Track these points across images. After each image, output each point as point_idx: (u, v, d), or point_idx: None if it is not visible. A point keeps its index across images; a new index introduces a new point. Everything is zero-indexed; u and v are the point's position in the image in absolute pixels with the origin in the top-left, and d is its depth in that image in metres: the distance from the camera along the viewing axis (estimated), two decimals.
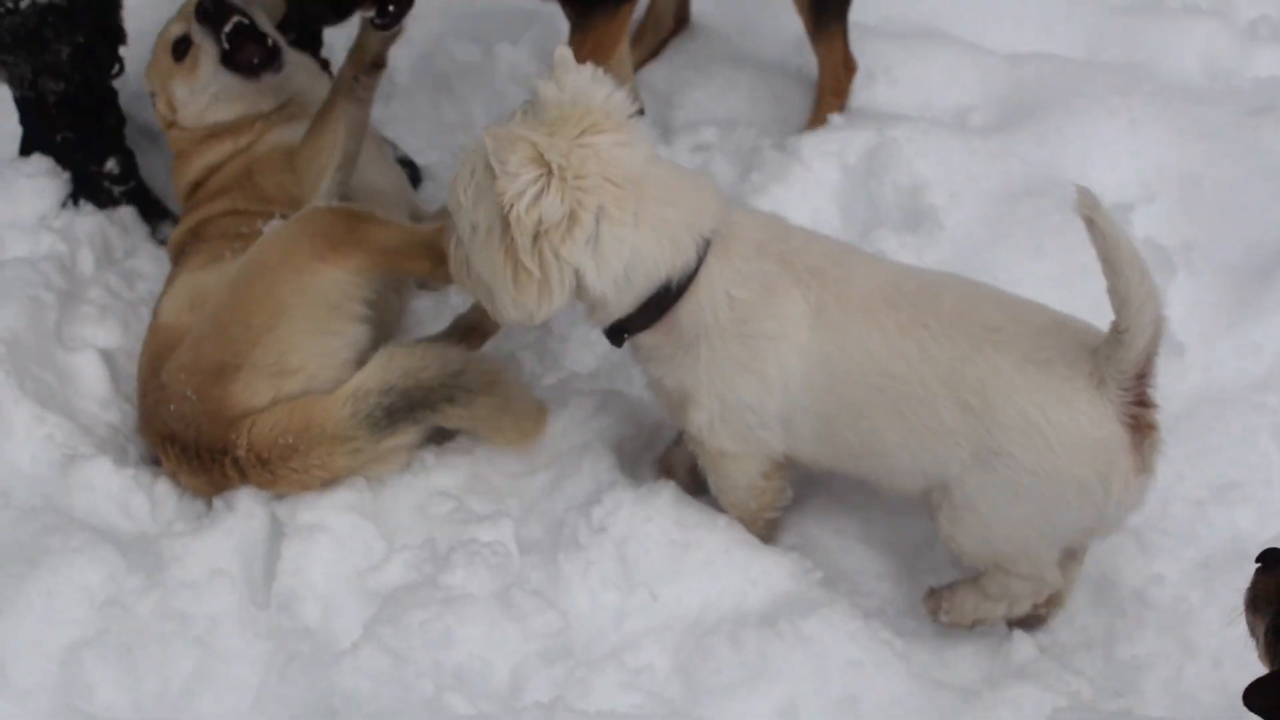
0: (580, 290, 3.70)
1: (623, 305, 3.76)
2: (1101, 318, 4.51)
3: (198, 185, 4.82)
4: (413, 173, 5.23)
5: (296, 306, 4.20)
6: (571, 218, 3.57)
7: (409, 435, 4.22)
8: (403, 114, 5.52)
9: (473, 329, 4.49)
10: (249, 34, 4.78)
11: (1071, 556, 3.96)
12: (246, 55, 4.77)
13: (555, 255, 3.59)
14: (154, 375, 4.33)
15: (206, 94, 4.83)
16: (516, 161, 3.51)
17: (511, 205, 3.52)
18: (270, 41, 4.79)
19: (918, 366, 3.66)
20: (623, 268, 3.66)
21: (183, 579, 3.97)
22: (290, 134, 4.77)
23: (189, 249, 4.61)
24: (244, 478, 4.18)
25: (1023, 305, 3.77)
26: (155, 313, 4.51)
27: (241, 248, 4.42)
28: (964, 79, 5.33)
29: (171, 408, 4.24)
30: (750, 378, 3.79)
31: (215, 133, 4.84)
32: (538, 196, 3.52)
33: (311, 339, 4.21)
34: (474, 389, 4.20)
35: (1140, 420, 3.60)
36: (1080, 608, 4.06)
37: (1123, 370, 3.53)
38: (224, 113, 4.85)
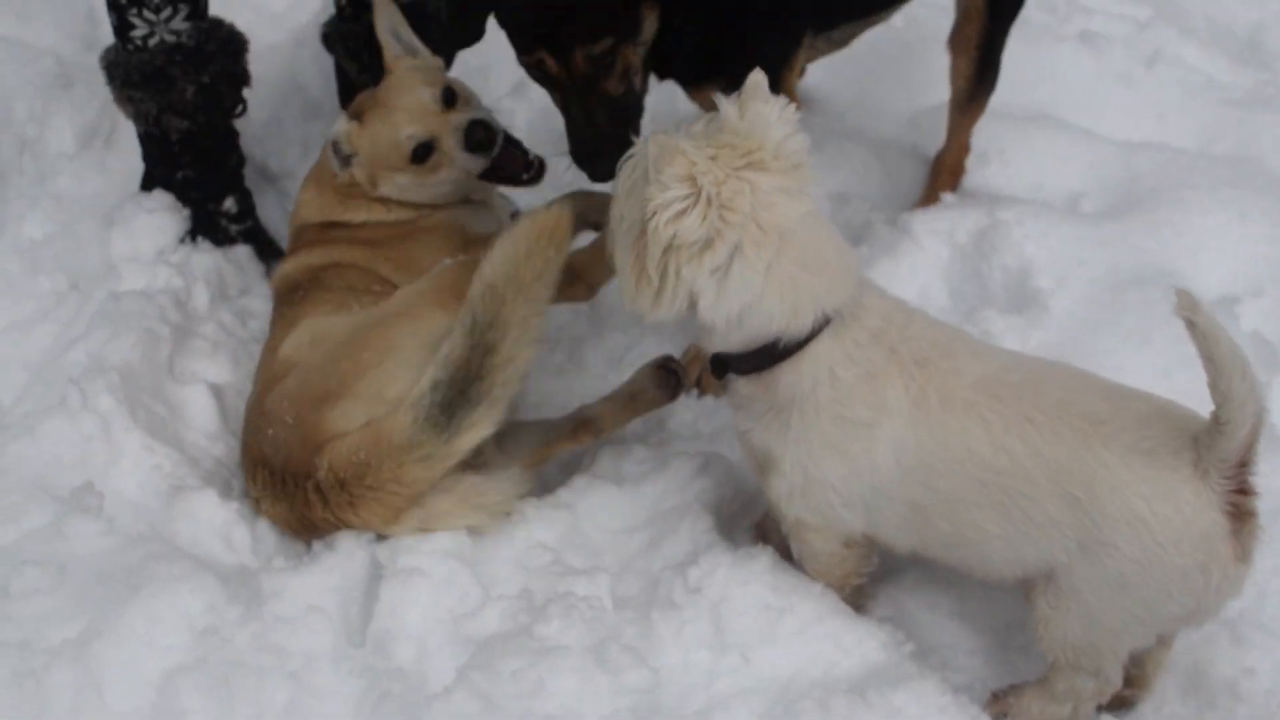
0: (692, 310, 3.68)
1: (728, 342, 3.75)
2: (1207, 408, 4.54)
3: (334, 226, 4.79)
4: None
5: (406, 347, 4.23)
6: (706, 244, 3.54)
7: (478, 426, 4.15)
8: None
9: (587, 422, 4.52)
10: (512, 147, 4.77)
11: (1161, 642, 3.95)
12: (513, 168, 4.76)
13: (678, 273, 3.58)
14: (261, 400, 4.39)
15: (430, 190, 4.78)
16: (670, 175, 3.49)
17: (654, 214, 3.50)
18: (532, 157, 4.78)
19: (1022, 461, 3.64)
20: (739, 309, 3.64)
21: (281, 614, 4.00)
22: (467, 217, 4.80)
23: (310, 293, 4.60)
24: (325, 504, 4.21)
25: (1125, 394, 3.77)
26: (272, 348, 4.53)
27: (370, 303, 4.48)
28: (1077, 164, 5.36)
29: (270, 432, 4.29)
30: (838, 459, 3.78)
31: (396, 203, 4.81)
32: (680, 214, 3.49)
33: (414, 374, 4.21)
34: (494, 322, 4.11)
35: (1240, 508, 3.58)
36: (1170, 697, 4.04)
37: (1224, 459, 3.52)
38: (425, 198, 4.81)
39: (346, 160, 4.74)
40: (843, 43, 5.20)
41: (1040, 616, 3.79)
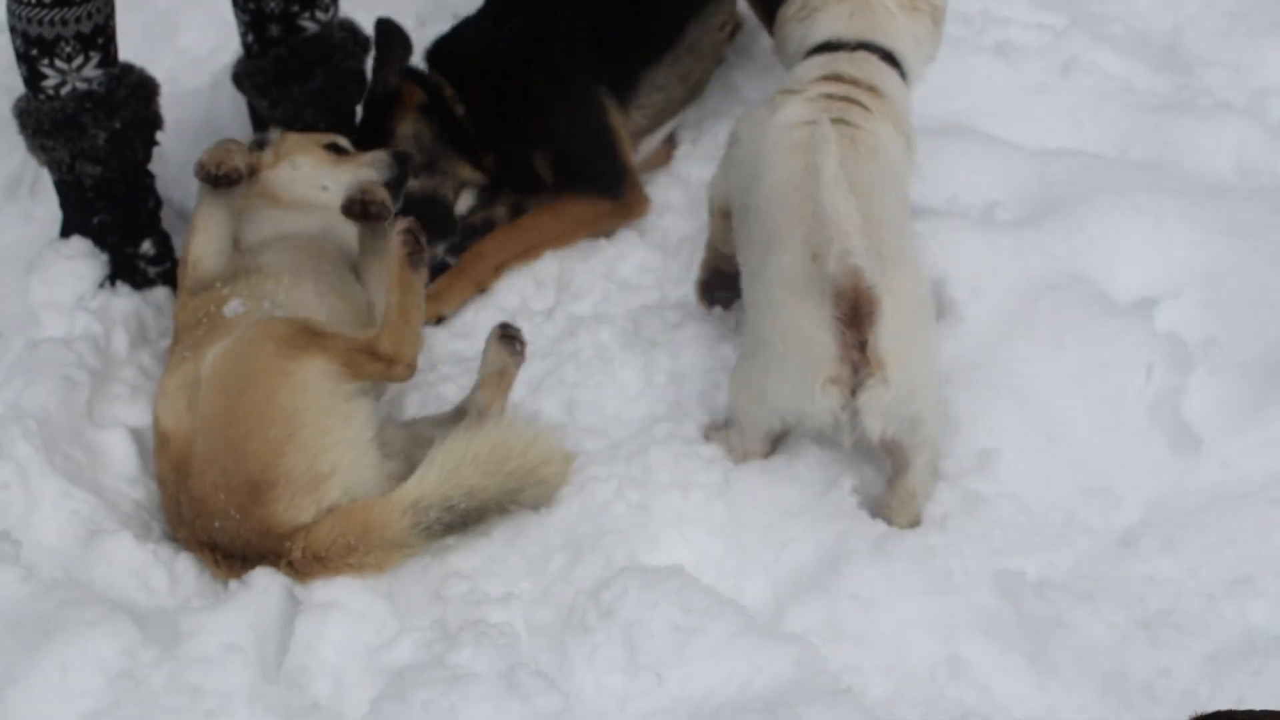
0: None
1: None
2: (1126, 416, 4.60)
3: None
4: None
5: (302, 407, 4.28)
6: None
7: (460, 536, 4.34)
8: None
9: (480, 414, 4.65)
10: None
11: (900, 472, 4.44)
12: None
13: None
14: (183, 487, 4.37)
15: (317, 182, 5.04)
16: None
17: None
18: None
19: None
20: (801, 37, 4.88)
21: (196, 653, 4.01)
22: None
23: (170, 352, 4.74)
24: (300, 576, 4.26)
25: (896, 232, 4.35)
26: (155, 417, 4.54)
27: (199, 337, 4.55)
28: (992, 174, 5.37)
29: (216, 524, 4.30)
30: (746, 127, 4.77)
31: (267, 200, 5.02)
32: None
33: (332, 435, 4.30)
34: (525, 503, 4.37)
35: (859, 358, 4.15)
36: (1088, 699, 4.05)
37: (828, 287, 4.08)
38: (304, 194, 5.04)
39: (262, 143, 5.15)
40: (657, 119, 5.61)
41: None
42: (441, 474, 4.27)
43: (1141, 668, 4.08)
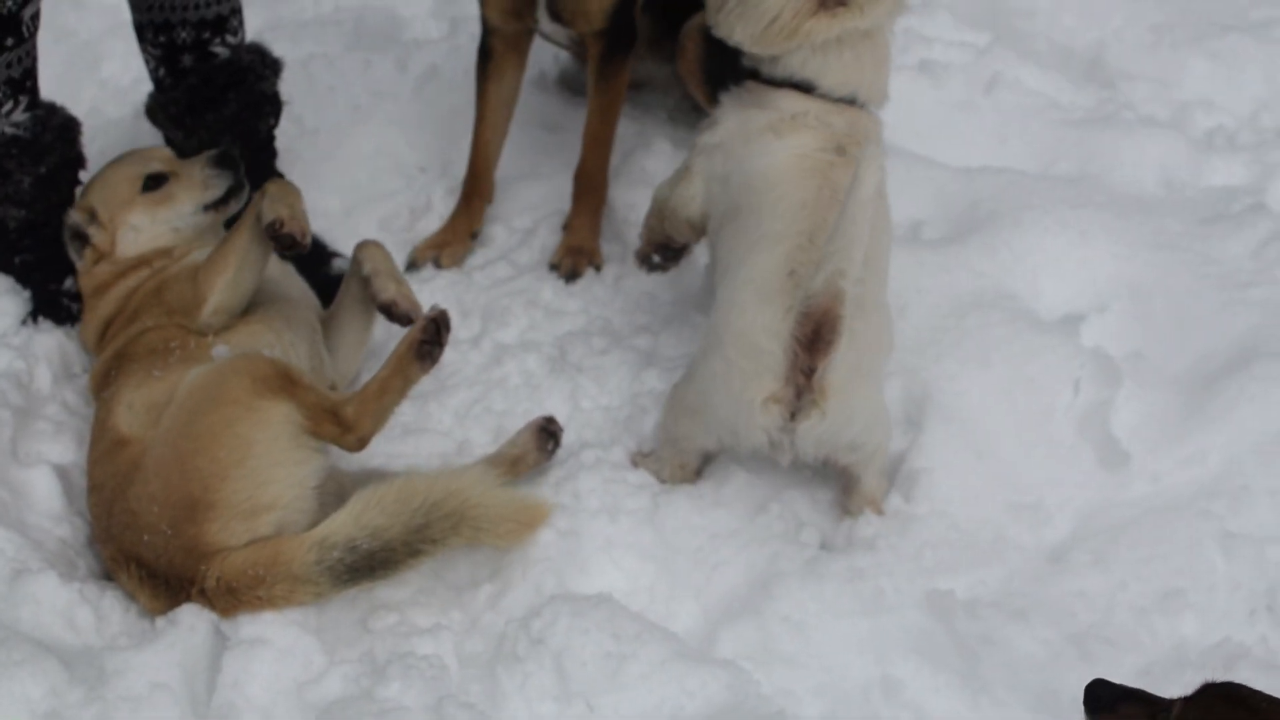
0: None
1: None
2: (1054, 431, 4.59)
3: (110, 323, 4.84)
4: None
5: (260, 441, 4.27)
6: None
7: (371, 586, 4.27)
8: None
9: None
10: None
11: (851, 486, 4.51)
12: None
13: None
14: (121, 495, 4.35)
15: (168, 224, 4.90)
16: None
17: None
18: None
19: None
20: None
21: (124, 693, 3.96)
22: (203, 254, 4.81)
23: (118, 371, 4.62)
24: (209, 605, 4.22)
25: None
26: (107, 425, 4.49)
27: (172, 362, 4.51)
28: (917, 192, 5.38)
29: (145, 538, 4.27)
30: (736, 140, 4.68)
31: (141, 261, 4.89)
32: None
33: (280, 471, 4.29)
34: (438, 539, 4.24)
35: (804, 384, 4.17)
36: (1021, 716, 4.04)
37: (800, 300, 4.09)
38: (166, 240, 4.91)
39: (84, 238, 4.88)
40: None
41: None
42: (350, 515, 4.24)
43: (1074, 683, 4.02)
